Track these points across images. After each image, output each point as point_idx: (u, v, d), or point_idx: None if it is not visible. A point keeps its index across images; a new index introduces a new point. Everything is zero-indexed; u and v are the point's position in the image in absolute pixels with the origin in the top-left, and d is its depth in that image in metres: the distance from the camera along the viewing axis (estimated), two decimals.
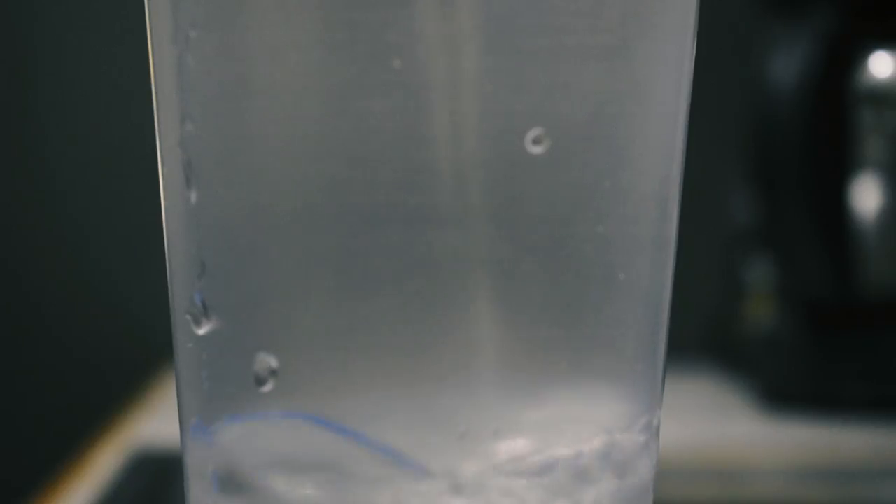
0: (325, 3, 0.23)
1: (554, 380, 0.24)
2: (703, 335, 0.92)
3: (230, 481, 0.25)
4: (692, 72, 0.26)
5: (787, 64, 0.75)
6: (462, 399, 0.23)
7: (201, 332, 0.25)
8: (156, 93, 0.25)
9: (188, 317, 0.25)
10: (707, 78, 0.53)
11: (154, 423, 0.69)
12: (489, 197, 0.23)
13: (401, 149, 0.23)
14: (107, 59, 0.96)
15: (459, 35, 0.23)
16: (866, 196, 0.75)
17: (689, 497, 0.57)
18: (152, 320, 0.95)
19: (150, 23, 0.25)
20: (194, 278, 0.25)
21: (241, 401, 0.24)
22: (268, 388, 0.24)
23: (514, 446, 0.24)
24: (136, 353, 0.96)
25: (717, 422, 0.73)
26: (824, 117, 0.75)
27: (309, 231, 0.24)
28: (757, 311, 0.83)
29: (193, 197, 0.25)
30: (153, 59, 0.25)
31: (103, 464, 0.60)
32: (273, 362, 0.24)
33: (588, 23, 0.23)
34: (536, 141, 0.23)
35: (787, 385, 0.75)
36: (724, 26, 0.91)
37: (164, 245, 0.26)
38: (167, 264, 0.26)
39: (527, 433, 0.24)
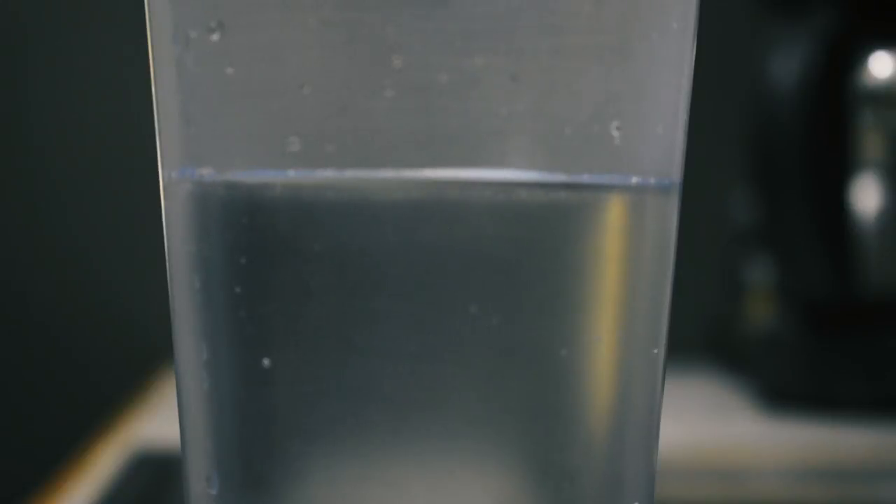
0: (325, 3, 0.23)
1: None
2: (703, 335, 0.92)
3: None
4: (692, 72, 0.26)
5: (787, 64, 0.75)
6: None
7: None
8: (156, 93, 0.25)
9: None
10: (707, 78, 0.53)
11: (154, 423, 0.69)
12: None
13: (401, 148, 0.23)
14: (107, 59, 0.96)
15: (459, 35, 0.23)
16: (866, 196, 0.75)
17: (689, 497, 0.57)
18: (152, 320, 0.95)
19: (150, 23, 0.25)
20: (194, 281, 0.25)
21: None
22: None
23: None
24: (136, 353, 0.96)
25: (717, 422, 0.73)
26: (824, 117, 0.75)
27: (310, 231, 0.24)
28: (757, 311, 0.83)
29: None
30: (153, 59, 0.25)
31: (103, 464, 0.60)
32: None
33: (588, 23, 0.23)
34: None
35: (787, 385, 0.75)
36: (724, 26, 0.91)
37: (163, 245, 0.26)
38: (167, 263, 0.26)
39: None
